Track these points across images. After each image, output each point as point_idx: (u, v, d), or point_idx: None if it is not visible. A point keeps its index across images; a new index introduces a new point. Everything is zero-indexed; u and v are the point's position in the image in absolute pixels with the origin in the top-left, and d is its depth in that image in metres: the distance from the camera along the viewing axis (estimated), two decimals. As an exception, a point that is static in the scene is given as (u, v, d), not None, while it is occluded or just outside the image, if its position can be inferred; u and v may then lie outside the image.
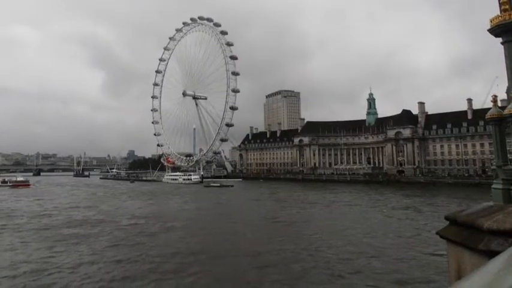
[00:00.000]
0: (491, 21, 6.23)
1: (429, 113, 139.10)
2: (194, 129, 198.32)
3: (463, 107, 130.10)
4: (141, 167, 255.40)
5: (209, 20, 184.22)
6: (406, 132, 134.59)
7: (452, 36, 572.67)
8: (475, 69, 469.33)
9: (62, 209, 59.15)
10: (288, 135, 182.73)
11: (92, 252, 29.22)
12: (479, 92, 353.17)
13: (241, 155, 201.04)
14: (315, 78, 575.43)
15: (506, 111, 6.35)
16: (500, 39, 6.32)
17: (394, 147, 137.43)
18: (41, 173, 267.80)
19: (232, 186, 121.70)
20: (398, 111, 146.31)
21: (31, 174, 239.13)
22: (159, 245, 31.78)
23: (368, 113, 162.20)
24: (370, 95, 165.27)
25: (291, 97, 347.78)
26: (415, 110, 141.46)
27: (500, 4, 6.07)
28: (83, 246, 31.63)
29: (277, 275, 22.71)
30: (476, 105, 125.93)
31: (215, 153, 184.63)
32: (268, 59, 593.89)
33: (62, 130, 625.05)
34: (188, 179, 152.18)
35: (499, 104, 6.53)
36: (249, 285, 21.08)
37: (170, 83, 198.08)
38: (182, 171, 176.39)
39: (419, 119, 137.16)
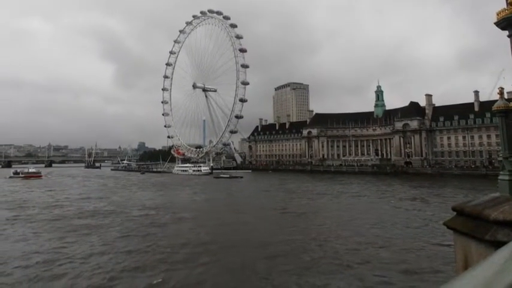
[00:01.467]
0: (497, 14, 6.24)
1: (436, 105, 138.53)
2: (204, 121, 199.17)
3: (470, 99, 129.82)
4: (152, 159, 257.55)
5: (219, 13, 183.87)
6: (414, 124, 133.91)
7: (459, 29, 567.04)
8: (482, 61, 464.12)
9: (73, 200, 59.75)
10: (296, 127, 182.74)
11: (102, 243, 29.49)
12: (486, 85, 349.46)
13: (250, 147, 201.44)
14: (323, 71, 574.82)
15: (512, 103, 6.39)
16: (506, 32, 6.34)
17: (401, 138, 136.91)
18: (53, 165, 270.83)
19: (241, 177, 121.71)
20: (406, 103, 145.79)
21: (43, 165, 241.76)
22: (169, 236, 32.05)
23: (376, 105, 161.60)
24: (378, 87, 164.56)
25: (300, 89, 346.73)
26: (422, 102, 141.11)
27: (507, -3, 6.07)
28: (94, 236, 31.93)
29: (286, 265, 22.87)
30: (483, 98, 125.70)
31: (225, 144, 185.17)
32: (277, 51, 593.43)
33: (74, 122, 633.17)
34: (198, 171, 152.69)
35: (506, 96, 6.56)
36: (259, 275, 21.28)
37: (180, 75, 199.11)
38: (192, 162, 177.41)
39: (427, 111, 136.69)
